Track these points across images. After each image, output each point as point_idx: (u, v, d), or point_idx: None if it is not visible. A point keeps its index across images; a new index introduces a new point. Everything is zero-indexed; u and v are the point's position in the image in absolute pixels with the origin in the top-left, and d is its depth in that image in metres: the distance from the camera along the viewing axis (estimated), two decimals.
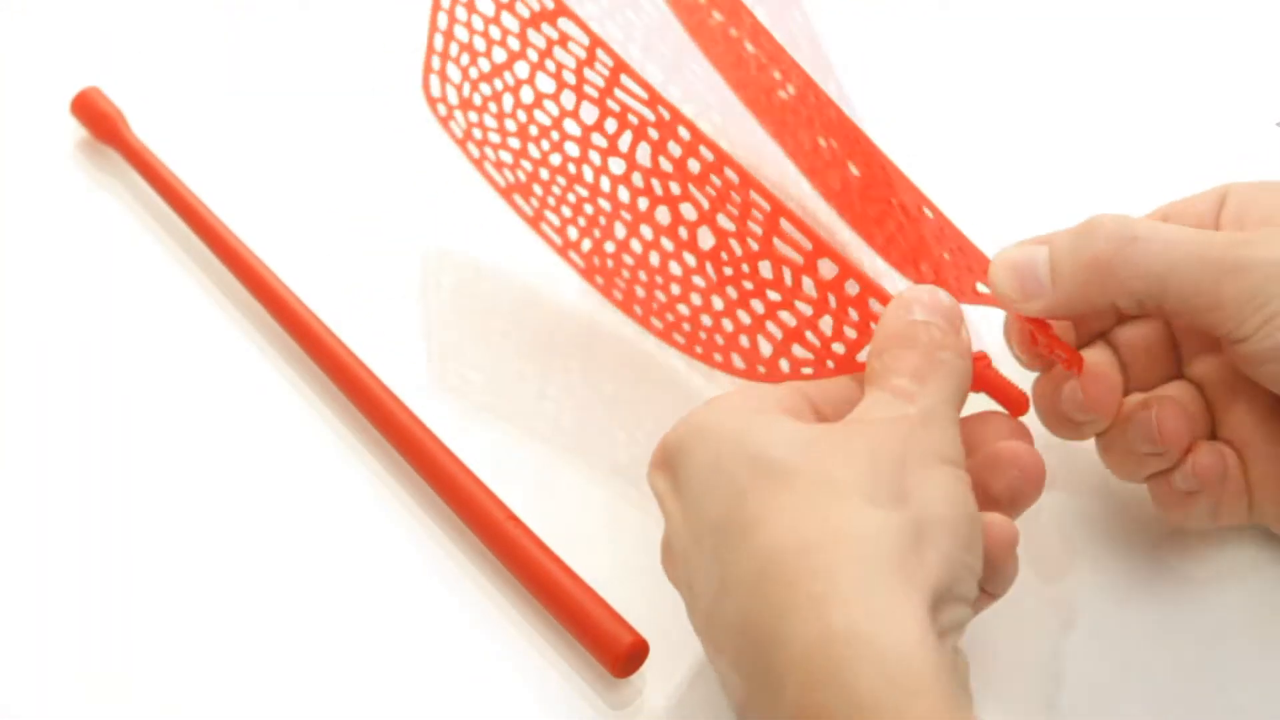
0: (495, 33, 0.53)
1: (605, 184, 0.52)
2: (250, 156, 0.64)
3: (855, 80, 0.63)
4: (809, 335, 0.48)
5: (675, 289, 0.52)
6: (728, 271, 0.49)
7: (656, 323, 0.53)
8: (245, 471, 0.54)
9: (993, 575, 0.44)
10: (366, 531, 0.52)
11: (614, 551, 0.51)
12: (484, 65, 0.54)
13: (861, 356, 0.47)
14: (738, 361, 0.50)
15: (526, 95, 0.53)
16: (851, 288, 0.47)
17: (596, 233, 0.54)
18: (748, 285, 0.49)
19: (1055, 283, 0.47)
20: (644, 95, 0.49)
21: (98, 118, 0.63)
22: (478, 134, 0.56)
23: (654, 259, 0.52)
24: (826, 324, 0.48)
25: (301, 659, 0.49)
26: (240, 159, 0.64)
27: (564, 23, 0.51)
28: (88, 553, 0.51)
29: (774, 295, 0.48)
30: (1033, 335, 0.49)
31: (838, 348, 0.48)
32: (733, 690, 0.43)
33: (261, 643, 0.49)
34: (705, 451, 0.44)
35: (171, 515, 0.52)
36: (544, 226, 0.55)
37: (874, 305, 0.47)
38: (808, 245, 0.47)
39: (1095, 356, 0.50)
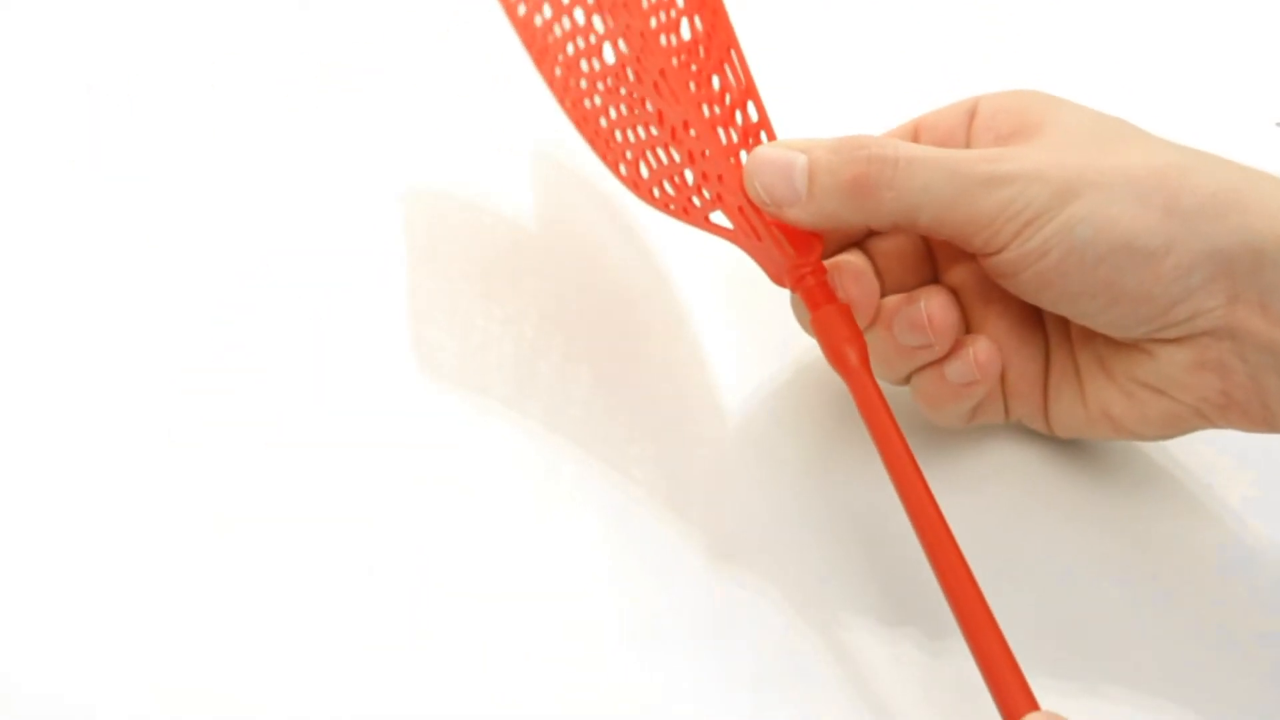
0: None
1: None
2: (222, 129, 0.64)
3: (850, 73, 0.63)
4: (676, 178, 0.51)
5: (586, 84, 0.54)
6: (621, 91, 0.52)
7: (574, 109, 0.55)
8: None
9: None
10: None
11: (584, 527, 0.51)
12: None
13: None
14: (623, 169, 0.53)
15: None
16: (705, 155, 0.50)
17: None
18: (631, 110, 0.52)
19: (811, 195, 0.48)
20: None
21: None
22: None
23: (576, 46, 0.55)
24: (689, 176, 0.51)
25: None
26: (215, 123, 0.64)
27: None
28: (88, 547, 0.51)
29: (650, 130, 0.52)
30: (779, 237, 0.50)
31: (695, 200, 0.51)
32: None
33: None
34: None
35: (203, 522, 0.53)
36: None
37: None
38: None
39: (848, 260, 0.51)
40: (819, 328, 0.49)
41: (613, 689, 0.48)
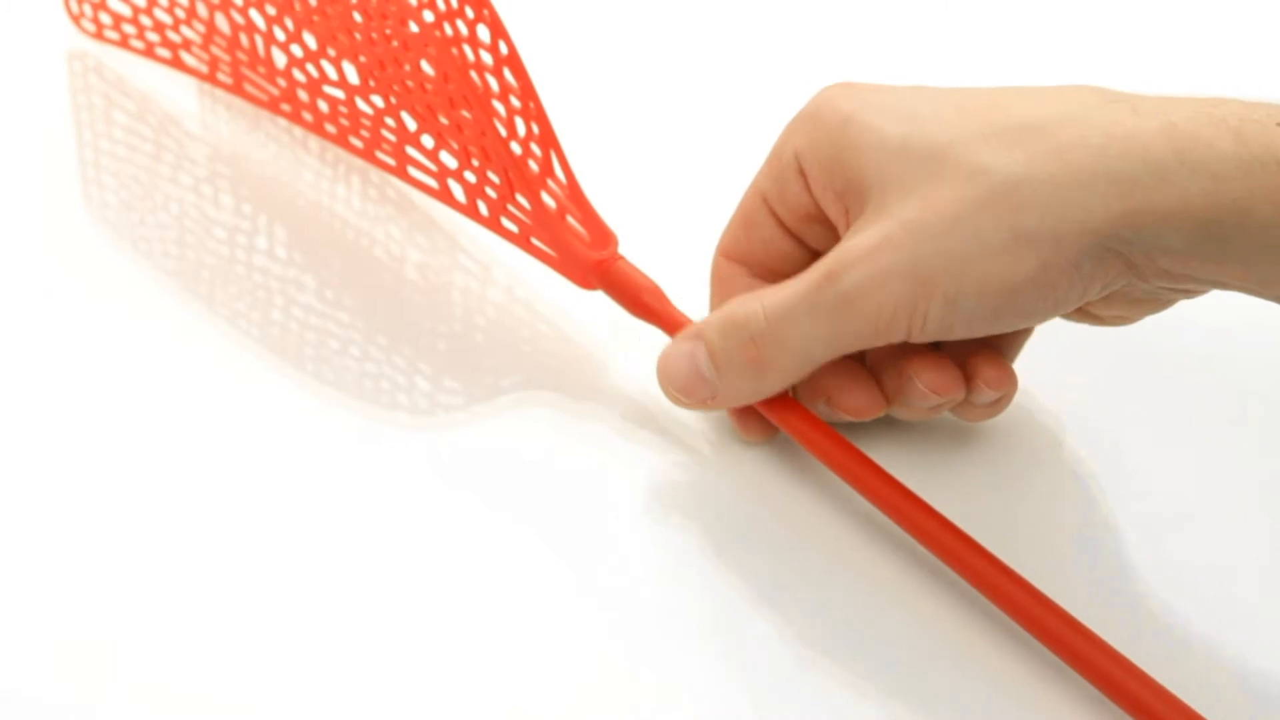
0: None
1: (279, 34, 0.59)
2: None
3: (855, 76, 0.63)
4: (488, 190, 0.54)
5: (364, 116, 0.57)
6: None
7: (356, 142, 0.58)
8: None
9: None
10: None
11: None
12: None
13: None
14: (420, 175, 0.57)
15: None
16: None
17: (280, 80, 0.60)
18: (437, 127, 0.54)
19: (725, 383, 0.50)
20: None
21: None
22: (131, 29, 0.64)
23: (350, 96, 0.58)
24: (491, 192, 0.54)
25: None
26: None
27: None
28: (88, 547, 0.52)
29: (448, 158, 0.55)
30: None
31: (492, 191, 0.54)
32: None
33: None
34: None
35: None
36: (220, 76, 0.62)
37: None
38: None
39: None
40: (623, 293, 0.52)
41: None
